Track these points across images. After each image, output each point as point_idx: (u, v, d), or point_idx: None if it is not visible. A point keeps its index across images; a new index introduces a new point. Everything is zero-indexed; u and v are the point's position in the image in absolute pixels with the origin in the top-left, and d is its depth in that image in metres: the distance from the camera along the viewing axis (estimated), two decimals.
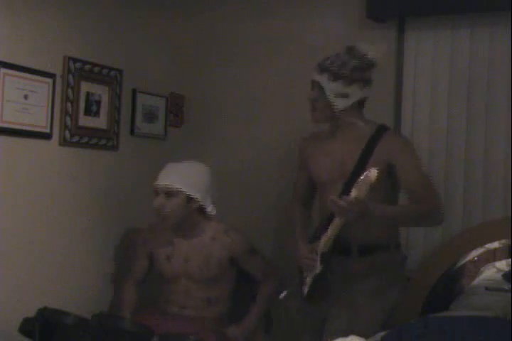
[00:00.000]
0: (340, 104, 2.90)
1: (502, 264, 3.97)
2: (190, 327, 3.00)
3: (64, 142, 3.25)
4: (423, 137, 3.45)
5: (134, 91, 3.66)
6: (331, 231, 2.76)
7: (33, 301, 2.89)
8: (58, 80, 3.20)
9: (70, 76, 3.25)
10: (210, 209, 3.13)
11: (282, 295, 2.90)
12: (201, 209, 3.14)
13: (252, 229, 3.41)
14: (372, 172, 2.54)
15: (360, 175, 2.61)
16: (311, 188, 3.17)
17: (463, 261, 3.53)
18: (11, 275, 3.04)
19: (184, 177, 3.08)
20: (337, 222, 2.71)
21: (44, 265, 3.19)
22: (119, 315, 3.14)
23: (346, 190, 2.74)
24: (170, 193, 3.05)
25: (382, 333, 2.58)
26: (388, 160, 2.86)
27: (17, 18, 3.02)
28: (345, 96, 2.89)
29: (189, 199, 3.07)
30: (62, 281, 3.27)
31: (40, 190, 3.17)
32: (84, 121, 3.35)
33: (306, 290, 2.89)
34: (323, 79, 2.89)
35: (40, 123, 3.13)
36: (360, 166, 2.83)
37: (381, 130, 2.94)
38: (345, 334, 2.54)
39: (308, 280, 2.88)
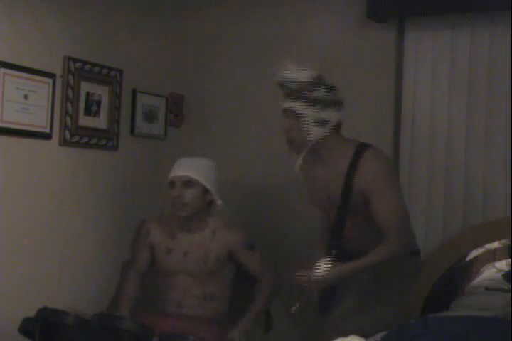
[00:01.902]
0: (317, 132, 2.80)
1: (502, 264, 3.97)
2: (190, 327, 3.00)
3: (64, 142, 3.26)
4: (423, 136, 3.45)
5: (134, 91, 3.66)
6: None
7: (33, 301, 2.88)
8: (58, 80, 3.20)
9: (70, 76, 3.25)
10: (220, 202, 3.19)
11: (294, 308, 2.90)
12: (209, 204, 3.20)
13: (252, 228, 3.41)
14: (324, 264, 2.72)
15: (347, 205, 2.77)
16: None
17: (463, 261, 3.53)
18: (11, 275, 3.04)
19: (200, 170, 3.16)
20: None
21: (44, 265, 3.19)
22: (118, 307, 3.13)
23: (338, 224, 2.85)
24: (188, 184, 3.11)
25: (382, 333, 2.58)
26: (363, 189, 2.80)
27: (17, 18, 3.02)
28: (323, 122, 2.79)
29: (205, 190, 3.14)
30: (62, 281, 3.28)
31: (40, 190, 3.17)
32: (84, 121, 3.35)
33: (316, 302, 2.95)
34: (297, 106, 2.78)
35: (40, 123, 3.13)
36: (346, 196, 2.81)
37: (359, 153, 2.83)
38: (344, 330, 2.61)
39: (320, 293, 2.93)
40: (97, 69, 3.40)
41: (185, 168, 3.16)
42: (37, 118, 3.11)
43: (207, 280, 3.16)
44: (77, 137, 3.31)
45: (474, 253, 3.52)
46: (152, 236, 3.25)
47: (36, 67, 3.09)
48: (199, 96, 3.98)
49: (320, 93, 2.79)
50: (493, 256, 4.07)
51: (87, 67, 3.34)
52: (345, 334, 2.66)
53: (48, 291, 3.17)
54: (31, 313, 2.67)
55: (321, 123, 2.78)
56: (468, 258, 3.56)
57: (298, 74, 2.80)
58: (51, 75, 3.16)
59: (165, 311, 3.17)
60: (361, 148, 2.85)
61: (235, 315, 3.19)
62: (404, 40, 3.51)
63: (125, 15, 3.59)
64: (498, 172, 3.33)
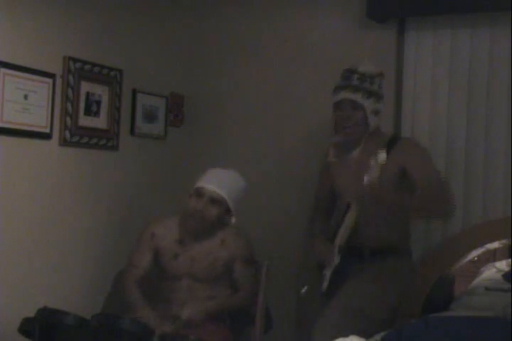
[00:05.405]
0: (374, 121, 3.01)
1: (502, 264, 3.97)
2: (191, 327, 3.00)
3: (64, 142, 3.25)
4: (423, 137, 3.45)
5: (134, 91, 3.66)
6: (345, 224, 2.89)
7: (33, 301, 2.89)
8: (58, 80, 3.20)
9: (70, 76, 3.25)
10: (234, 220, 3.15)
11: (303, 290, 2.96)
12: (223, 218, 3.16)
13: (252, 228, 3.41)
14: (380, 155, 2.73)
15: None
16: (331, 200, 3.25)
17: (463, 261, 3.53)
18: (11, 275, 3.04)
19: (232, 190, 3.12)
20: (352, 213, 2.85)
21: (44, 265, 3.19)
22: (139, 313, 3.00)
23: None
24: (215, 200, 3.08)
25: (382, 333, 2.58)
26: (401, 164, 2.93)
27: (17, 18, 3.02)
28: (377, 113, 3.02)
29: (226, 210, 3.12)
30: (62, 281, 3.27)
31: (40, 190, 3.17)
32: (84, 121, 3.35)
33: (325, 285, 2.99)
34: (358, 98, 2.97)
35: (40, 123, 3.13)
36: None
37: (393, 139, 3.04)
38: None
39: (327, 275, 2.98)
40: (97, 69, 3.40)
41: (219, 184, 3.10)
42: (37, 118, 3.11)
43: (213, 284, 3.15)
44: (77, 137, 3.31)
45: (474, 253, 3.51)
46: (157, 240, 3.19)
47: (36, 67, 3.09)
48: (199, 96, 3.98)
49: (376, 86, 3.02)
50: (493, 256, 4.07)
51: (87, 67, 3.34)
52: (346, 314, 2.79)
53: (48, 291, 3.17)
54: (31, 313, 2.68)
55: (375, 113, 3.01)
56: (468, 258, 3.56)
57: (365, 68, 3.02)
58: (51, 75, 3.16)
59: (166, 313, 3.14)
60: (396, 135, 3.14)
61: (235, 316, 3.18)
62: (404, 40, 3.51)
63: (125, 15, 3.59)
64: (498, 172, 3.33)
